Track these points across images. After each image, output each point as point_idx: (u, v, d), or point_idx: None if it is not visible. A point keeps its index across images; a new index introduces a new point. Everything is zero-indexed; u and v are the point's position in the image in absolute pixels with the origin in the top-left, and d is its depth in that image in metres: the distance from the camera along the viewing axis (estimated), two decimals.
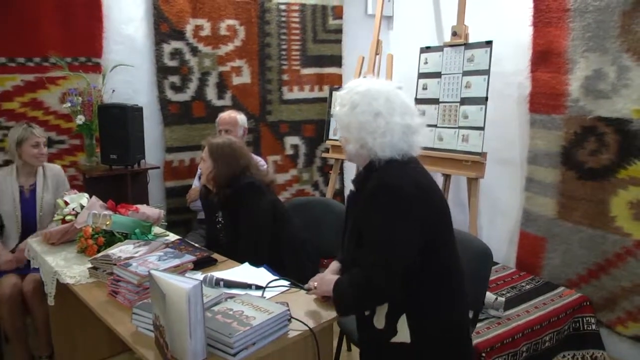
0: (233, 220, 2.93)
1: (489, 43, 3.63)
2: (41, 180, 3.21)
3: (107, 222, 2.63)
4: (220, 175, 2.87)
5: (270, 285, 2.15)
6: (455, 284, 1.89)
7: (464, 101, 3.76)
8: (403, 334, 1.80)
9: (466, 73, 3.77)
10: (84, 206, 2.87)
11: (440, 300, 1.83)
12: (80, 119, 3.49)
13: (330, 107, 4.62)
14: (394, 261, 1.73)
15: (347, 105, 1.84)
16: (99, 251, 2.50)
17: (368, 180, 1.82)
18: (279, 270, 2.42)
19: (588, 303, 3.33)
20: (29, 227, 3.14)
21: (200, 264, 2.41)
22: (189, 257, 2.31)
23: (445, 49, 3.93)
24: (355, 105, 1.82)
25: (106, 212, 2.75)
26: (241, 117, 3.92)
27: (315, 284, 2.02)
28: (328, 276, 2.04)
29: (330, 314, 1.94)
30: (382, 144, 1.79)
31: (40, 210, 3.17)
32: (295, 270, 2.69)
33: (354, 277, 1.82)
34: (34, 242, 2.83)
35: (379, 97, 1.81)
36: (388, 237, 1.73)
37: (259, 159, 3.49)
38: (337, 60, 4.94)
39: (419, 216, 1.75)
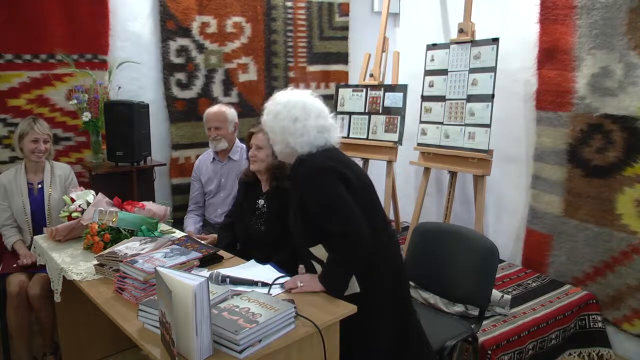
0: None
1: (495, 40, 3.62)
2: (48, 177, 3.21)
3: (113, 219, 2.64)
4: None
5: (276, 282, 2.16)
6: (386, 237, 2.23)
7: (470, 98, 3.75)
8: (353, 286, 2.11)
9: (472, 70, 3.76)
10: (90, 203, 2.88)
11: (375, 254, 2.12)
12: (86, 116, 3.49)
13: (336, 104, 4.62)
14: (352, 220, 2.02)
15: (272, 113, 2.21)
16: (105, 248, 2.51)
17: (297, 171, 2.19)
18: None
19: (594, 301, 3.32)
20: (39, 223, 3.14)
21: (207, 261, 2.42)
22: (195, 254, 2.31)
23: (451, 46, 3.92)
24: (278, 113, 2.18)
25: (112, 209, 2.75)
26: (230, 112, 3.71)
27: (300, 283, 2.12)
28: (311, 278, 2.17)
29: (336, 311, 1.94)
30: (302, 142, 2.15)
31: (48, 207, 3.17)
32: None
33: (334, 259, 2.07)
34: (40, 239, 2.84)
35: (297, 105, 2.18)
36: (334, 203, 2.03)
37: None
38: (343, 58, 4.93)
39: (342, 179, 2.09)
